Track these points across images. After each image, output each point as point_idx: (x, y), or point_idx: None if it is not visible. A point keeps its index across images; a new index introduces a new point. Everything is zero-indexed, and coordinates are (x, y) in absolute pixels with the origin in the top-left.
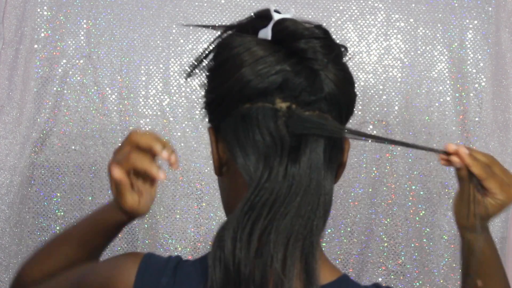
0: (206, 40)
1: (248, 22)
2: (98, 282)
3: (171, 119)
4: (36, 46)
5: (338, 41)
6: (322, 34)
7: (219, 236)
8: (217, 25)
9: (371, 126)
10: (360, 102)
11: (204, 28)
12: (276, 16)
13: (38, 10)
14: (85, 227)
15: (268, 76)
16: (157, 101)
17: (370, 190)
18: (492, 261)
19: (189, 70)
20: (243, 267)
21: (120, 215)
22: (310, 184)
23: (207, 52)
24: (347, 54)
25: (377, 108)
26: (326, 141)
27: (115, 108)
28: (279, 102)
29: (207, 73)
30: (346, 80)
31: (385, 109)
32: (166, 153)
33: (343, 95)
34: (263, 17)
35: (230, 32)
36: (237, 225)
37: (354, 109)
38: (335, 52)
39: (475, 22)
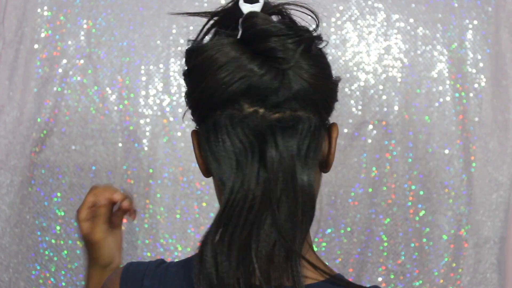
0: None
1: (232, 7)
2: None
3: (171, 119)
4: (36, 46)
5: (338, 41)
6: (290, 30)
7: (200, 251)
8: (202, 12)
9: (371, 126)
10: (360, 102)
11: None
12: (245, 9)
13: (39, 10)
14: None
15: (232, 83)
16: (157, 101)
17: (370, 190)
18: None
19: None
20: (226, 279)
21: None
22: (286, 187)
23: (204, 32)
24: (324, 41)
25: (377, 108)
26: (298, 139)
27: (115, 108)
28: (247, 107)
29: (183, 78)
30: (319, 74)
31: (385, 109)
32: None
33: (317, 89)
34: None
35: (216, 18)
36: (214, 238)
37: (354, 109)
38: (303, 47)
39: (475, 22)
